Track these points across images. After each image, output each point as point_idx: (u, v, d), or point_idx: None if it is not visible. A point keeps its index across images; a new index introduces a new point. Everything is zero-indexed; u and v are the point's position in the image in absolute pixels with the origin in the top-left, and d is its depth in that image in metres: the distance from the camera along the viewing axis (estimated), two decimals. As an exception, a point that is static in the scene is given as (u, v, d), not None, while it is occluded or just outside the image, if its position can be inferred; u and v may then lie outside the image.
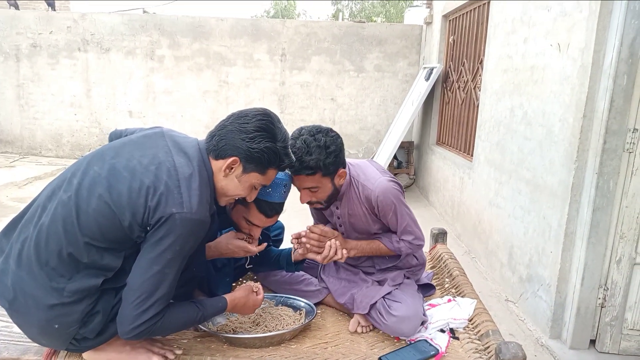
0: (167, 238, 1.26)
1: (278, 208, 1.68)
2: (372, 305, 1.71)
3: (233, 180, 1.41)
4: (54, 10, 8.17)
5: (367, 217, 1.79)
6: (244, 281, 2.10)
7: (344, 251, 1.75)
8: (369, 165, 1.82)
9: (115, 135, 1.68)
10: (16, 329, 1.61)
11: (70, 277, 1.29)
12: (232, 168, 1.39)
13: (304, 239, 1.77)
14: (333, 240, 1.75)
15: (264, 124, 1.39)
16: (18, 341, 1.53)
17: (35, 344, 1.51)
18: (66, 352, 1.48)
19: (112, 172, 1.31)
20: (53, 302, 1.28)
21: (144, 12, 9.05)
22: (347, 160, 1.81)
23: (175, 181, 1.29)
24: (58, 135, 7.51)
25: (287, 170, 1.64)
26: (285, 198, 1.70)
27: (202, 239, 1.47)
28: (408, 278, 1.91)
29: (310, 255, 1.79)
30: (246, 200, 1.52)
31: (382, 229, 1.84)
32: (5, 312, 1.70)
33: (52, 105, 7.41)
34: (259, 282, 1.69)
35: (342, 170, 1.70)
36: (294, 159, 1.52)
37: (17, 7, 8.14)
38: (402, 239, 1.80)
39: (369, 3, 23.50)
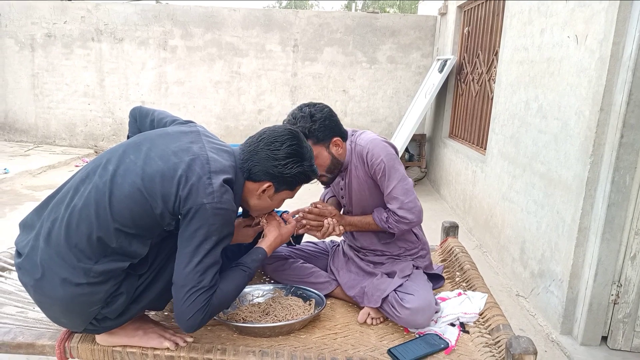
0: (201, 229, 1.31)
1: None
2: (384, 299, 1.70)
3: (266, 200, 1.54)
4: (69, 0, 8.22)
5: (366, 185, 1.84)
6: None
7: (341, 227, 1.85)
8: (370, 132, 1.88)
9: (138, 112, 1.71)
10: (31, 314, 1.64)
11: (97, 260, 1.31)
12: (264, 191, 1.50)
13: (304, 221, 1.86)
14: (329, 218, 1.84)
15: (293, 150, 1.48)
16: (32, 326, 1.56)
17: (51, 329, 1.54)
18: (80, 336, 1.50)
19: (147, 160, 1.35)
20: (80, 280, 1.30)
21: (157, 1, 9.07)
22: (350, 130, 1.89)
23: (207, 172, 1.34)
24: (72, 124, 7.59)
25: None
26: None
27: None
28: (417, 268, 1.90)
29: (311, 232, 1.88)
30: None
31: (382, 201, 1.87)
32: (19, 298, 1.73)
33: (66, 94, 7.48)
34: (285, 214, 1.81)
35: (336, 138, 1.78)
36: (317, 172, 1.62)
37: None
38: (389, 208, 1.81)
39: (382, -7, 23.27)
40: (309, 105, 1.78)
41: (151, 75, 7.24)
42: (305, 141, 1.55)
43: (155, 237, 1.37)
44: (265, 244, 1.61)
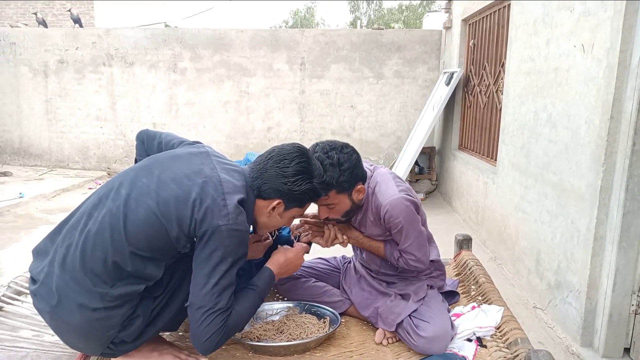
0: (217, 251, 1.32)
1: None
2: (399, 324, 1.69)
3: (276, 218, 1.53)
4: (81, 26, 8.43)
5: (375, 226, 1.80)
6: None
7: (345, 236, 1.82)
8: (390, 179, 1.78)
9: (145, 135, 1.73)
10: (47, 337, 1.65)
11: (113, 284, 1.32)
12: (274, 208, 1.49)
13: (306, 226, 1.84)
14: (330, 225, 1.81)
15: (302, 167, 1.48)
16: (49, 350, 1.56)
17: (67, 352, 1.54)
18: (96, 358, 1.50)
19: (160, 184, 1.36)
20: (97, 305, 1.31)
21: (166, 26, 9.26)
22: (371, 168, 1.82)
23: (221, 194, 1.35)
24: (85, 148, 7.71)
25: None
26: None
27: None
28: (431, 288, 1.88)
29: (315, 240, 1.84)
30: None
31: (388, 237, 1.84)
32: (35, 322, 1.74)
33: (78, 119, 7.61)
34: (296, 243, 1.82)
35: (360, 185, 1.71)
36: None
37: (45, 25, 8.43)
38: (402, 255, 1.79)
39: (387, 10, 23.52)
40: (335, 148, 1.66)
41: (162, 97, 7.35)
42: (313, 158, 1.55)
43: (169, 259, 1.38)
44: (271, 263, 1.60)
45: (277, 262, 1.60)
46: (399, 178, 1.84)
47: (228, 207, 1.33)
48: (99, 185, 1.56)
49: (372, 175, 1.80)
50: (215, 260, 1.31)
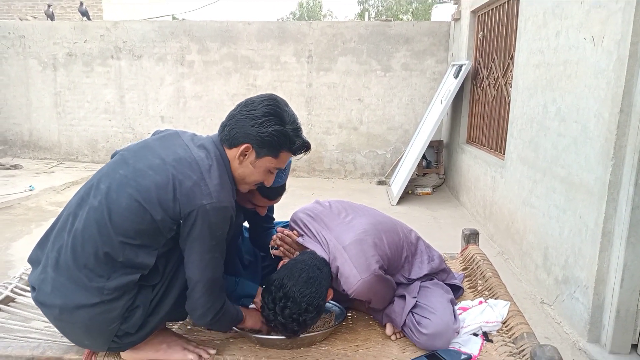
0: (206, 229, 1.35)
1: (280, 190, 1.77)
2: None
3: (248, 167, 1.48)
4: (89, 19, 8.45)
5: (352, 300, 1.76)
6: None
7: None
8: (346, 260, 1.59)
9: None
10: (58, 329, 1.67)
11: (109, 276, 1.34)
12: (245, 155, 1.46)
13: (279, 243, 1.76)
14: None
15: (271, 109, 1.45)
16: (60, 341, 1.59)
17: (77, 344, 1.56)
18: (104, 354, 1.53)
19: (137, 172, 1.38)
20: (95, 300, 1.33)
21: (174, 18, 9.26)
22: (326, 254, 1.65)
23: (199, 174, 1.36)
24: (93, 141, 7.76)
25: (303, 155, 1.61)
26: (285, 180, 1.77)
27: (228, 234, 1.53)
28: (431, 279, 1.87)
29: (286, 259, 1.75)
30: (264, 184, 1.57)
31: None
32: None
33: (87, 112, 7.66)
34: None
35: (329, 292, 1.61)
36: (306, 140, 1.53)
37: (52, 18, 8.47)
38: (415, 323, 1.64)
39: (395, 2, 23.33)
40: (287, 300, 1.48)
41: (169, 90, 7.37)
42: (287, 106, 1.50)
43: (160, 246, 1.39)
44: (249, 312, 1.65)
45: (255, 317, 1.65)
46: (361, 248, 1.62)
47: (209, 185, 1.35)
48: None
49: (331, 255, 1.65)
50: (206, 238, 1.35)
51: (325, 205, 1.84)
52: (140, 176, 1.36)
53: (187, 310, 1.46)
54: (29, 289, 1.97)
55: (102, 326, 1.36)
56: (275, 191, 1.75)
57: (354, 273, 1.57)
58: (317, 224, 1.74)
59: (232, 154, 1.47)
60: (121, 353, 1.49)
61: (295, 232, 1.79)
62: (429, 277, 1.89)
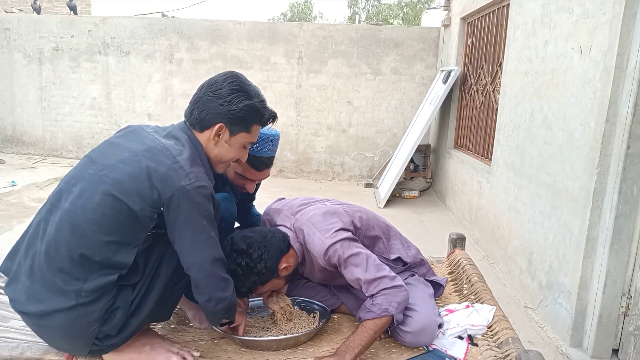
0: (192, 210, 1.32)
1: (268, 162, 1.81)
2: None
3: (224, 146, 1.49)
4: (76, 14, 8.34)
5: (328, 272, 1.75)
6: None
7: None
8: (310, 228, 1.66)
9: None
10: (38, 328, 1.63)
11: (86, 278, 1.31)
12: (220, 134, 1.46)
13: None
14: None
15: (236, 85, 1.47)
16: (39, 341, 1.56)
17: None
18: (87, 355, 1.50)
19: (108, 168, 1.34)
20: (71, 303, 1.30)
21: (163, 15, 9.18)
22: (294, 224, 1.72)
23: (172, 158, 1.35)
24: (79, 137, 7.65)
25: (270, 125, 1.67)
26: (274, 152, 1.82)
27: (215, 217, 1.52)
28: (412, 275, 1.88)
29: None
30: (240, 161, 1.59)
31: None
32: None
33: (73, 107, 7.55)
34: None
35: (283, 265, 1.64)
36: (273, 110, 1.57)
37: (38, 12, 8.33)
38: (374, 296, 1.56)
39: (385, 6, 23.46)
40: (242, 253, 1.56)
41: (157, 87, 7.30)
42: (247, 80, 1.53)
43: (140, 243, 1.36)
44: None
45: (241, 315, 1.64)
46: (323, 215, 1.69)
47: (184, 168, 1.33)
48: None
49: (297, 231, 1.70)
50: (194, 219, 1.33)
51: (293, 198, 1.92)
52: (112, 171, 1.33)
53: (200, 302, 1.40)
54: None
55: (81, 329, 1.33)
56: (263, 162, 1.79)
57: (319, 237, 1.62)
58: (285, 212, 1.80)
59: (205, 136, 1.46)
60: (103, 356, 1.46)
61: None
62: (409, 271, 1.90)
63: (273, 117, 1.58)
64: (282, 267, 1.64)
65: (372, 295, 1.56)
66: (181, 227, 1.33)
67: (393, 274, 1.61)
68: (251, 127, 1.51)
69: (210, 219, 1.37)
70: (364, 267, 1.57)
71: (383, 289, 1.54)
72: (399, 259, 1.88)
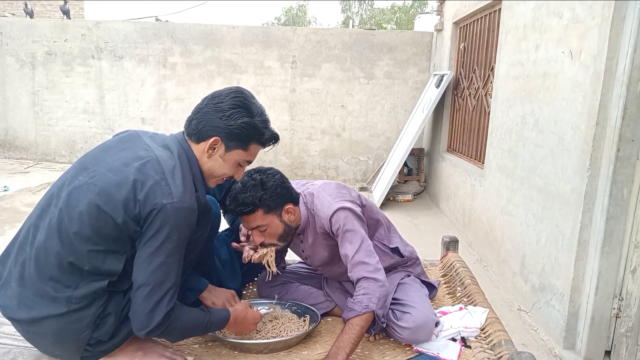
0: (163, 229, 1.28)
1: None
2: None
3: (217, 160, 1.44)
4: (69, 18, 8.31)
5: (330, 248, 1.76)
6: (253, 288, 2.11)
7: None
8: (322, 191, 1.74)
9: None
10: (30, 333, 1.62)
11: (76, 285, 1.30)
12: (214, 148, 1.42)
13: (246, 247, 1.80)
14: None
15: (238, 101, 1.43)
16: (31, 346, 1.55)
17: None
18: None
19: (97, 176, 1.32)
20: (62, 310, 1.29)
21: (157, 20, 9.17)
22: (303, 189, 1.79)
23: (161, 174, 1.31)
24: (71, 141, 7.61)
25: (271, 147, 1.62)
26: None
27: (204, 228, 1.51)
28: (408, 275, 1.90)
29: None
30: (234, 178, 1.54)
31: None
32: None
33: (66, 112, 7.51)
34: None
35: (289, 206, 1.68)
36: (275, 132, 1.53)
37: (31, 15, 8.30)
38: (359, 282, 1.58)
39: (379, 10, 23.57)
40: (259, 171, 1.68)
41: (151, 92, 7.29)
42: (254, 98, 1.50)
43: (128, 250, 1.34)
44: (232, 309, 1.56)
45: (238, 312, 1.57)
46: (335, 185, 1.79)
47: (170, 186, 1.30)
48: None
49: (307, 195, 1.76)
50: (161, 238, 1.28)
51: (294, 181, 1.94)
52: (100, 180, 1.31)
53: (131, 317, 1.32)
54: None
55: (73, 335, 1.32)
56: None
57: (328, 200, 1.69)
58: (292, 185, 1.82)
59: (200, 148, 1.43)
60: None
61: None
62: (405, 272, 1.91)
63: (275, 138, 1.52)
64: (287, 207, 1.69)
65: (354, 282, 1.61)
66: (145, 241, 1.29)
67: (379, 266, 1.61)
68: (249, 146, 1.46)
69: (178, 245, 1.31)
70: (355, 247, 1.61)
71: (363, 277, 1.58)
72: (397, 250, 1.92)
